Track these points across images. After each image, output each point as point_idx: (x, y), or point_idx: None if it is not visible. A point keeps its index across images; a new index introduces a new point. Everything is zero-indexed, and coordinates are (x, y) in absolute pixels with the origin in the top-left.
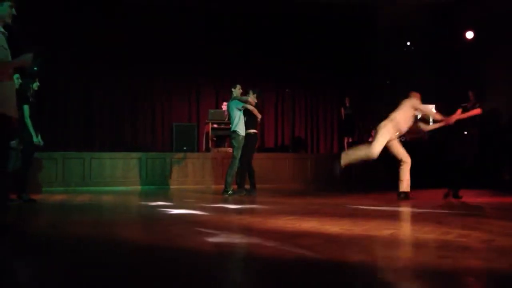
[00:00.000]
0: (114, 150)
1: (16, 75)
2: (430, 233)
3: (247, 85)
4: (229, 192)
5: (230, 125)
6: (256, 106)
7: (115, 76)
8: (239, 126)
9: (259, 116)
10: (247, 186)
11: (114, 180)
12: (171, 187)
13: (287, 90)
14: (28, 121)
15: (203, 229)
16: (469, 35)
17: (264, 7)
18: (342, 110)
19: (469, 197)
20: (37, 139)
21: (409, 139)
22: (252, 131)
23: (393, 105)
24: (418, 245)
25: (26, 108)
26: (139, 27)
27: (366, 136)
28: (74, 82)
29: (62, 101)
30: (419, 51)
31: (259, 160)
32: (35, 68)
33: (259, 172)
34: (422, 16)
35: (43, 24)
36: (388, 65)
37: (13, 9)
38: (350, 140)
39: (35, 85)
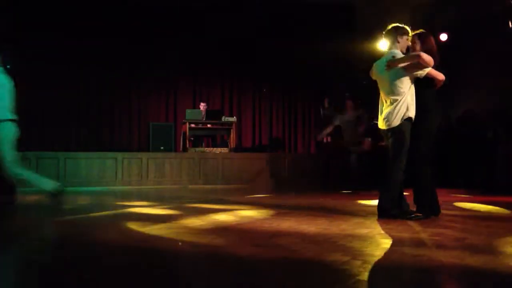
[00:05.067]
0: (89, 150)
1: None
2: (404, 232)
3: (224, 84)
4: None
5: None
6: None
7: (91, 74)
8: None
9: None
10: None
11: (90, 181)
12: (148, 187)
13: (264, 90)
14: None
15: (175, 230)
16: (443, 37)
17: (241, 6)
18: (321, 110)
19: (442, 197)
20: None
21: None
22: None
23: (371, 106)
24: (393, 243)
25: None
26: (116, 26)
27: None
28: (48, 81)
29: (36, 99)
30: None
31: (237, 160)
32: (8, 66)
33: (236, 172)
34: (401, 17)
35: (18, 21)
36: (367, 67)
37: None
38: (328, 140)
39: None
